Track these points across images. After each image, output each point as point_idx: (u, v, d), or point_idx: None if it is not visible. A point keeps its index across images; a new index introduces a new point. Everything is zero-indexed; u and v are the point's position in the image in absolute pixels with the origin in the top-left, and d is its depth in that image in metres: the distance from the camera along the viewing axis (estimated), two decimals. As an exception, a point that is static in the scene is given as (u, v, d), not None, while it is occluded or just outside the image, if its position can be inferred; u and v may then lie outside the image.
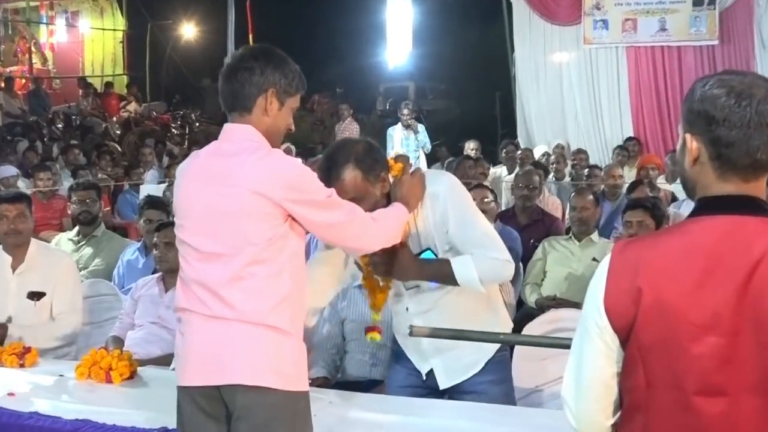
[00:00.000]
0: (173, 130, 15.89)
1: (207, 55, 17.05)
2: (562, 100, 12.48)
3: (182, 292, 2.35)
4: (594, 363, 1.64)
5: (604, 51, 12.15)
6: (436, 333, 2.73)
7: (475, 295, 2.80)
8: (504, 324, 3.02)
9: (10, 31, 18.68)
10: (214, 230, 2.27)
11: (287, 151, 10.44)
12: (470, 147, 10.65)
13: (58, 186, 7.96)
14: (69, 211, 5.81)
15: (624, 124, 11.99)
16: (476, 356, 2.95)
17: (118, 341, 3.96)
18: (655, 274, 1.56)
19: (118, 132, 15.08)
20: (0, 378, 3.23)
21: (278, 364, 2.24)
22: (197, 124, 15.86)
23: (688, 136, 1.63)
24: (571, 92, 12.40)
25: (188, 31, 19.29)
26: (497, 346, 2.97)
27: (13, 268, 4.04)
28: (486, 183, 7.06)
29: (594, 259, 4.88)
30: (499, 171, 9.82)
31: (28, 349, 3.46)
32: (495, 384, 2.96)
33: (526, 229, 5.79)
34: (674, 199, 7.25)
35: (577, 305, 4.01)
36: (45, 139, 13.50)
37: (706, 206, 1.61)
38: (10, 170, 8.44)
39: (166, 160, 11.54)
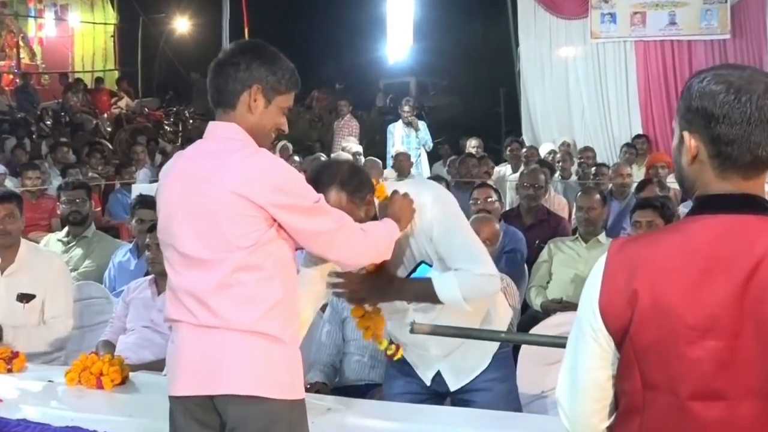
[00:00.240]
0: (166, 127, 15.87)
1: (201, 49, 17.02)
2: (569, 97, 12.47)
3: (170, 303, 2.35)
4: (589, 365, 1.64)
5: (612, 45, 12.14)
6: (437, 330, 2.74)
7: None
8: (503, 320, 3.07)
9: (-3, 25, 18.69)
10: (198, 234, 2.25)
11: (284, 150, 10.48)
12: (471, 145, 10.65)
13: (46, 185, 7.96)
14: (58, 211, 5.81)
15: (632, 121, 11.99)
16: (481, 353, 3.01)
17: (109, 346, 3.97)
18: (651, 275, 1.56)
19: (109, 129, 15.08)
20: (-13, 384, 3.23)
21: (271, 372, 2.23)
22: (191, 120, 15.84)
23: (686, 134, 1.63)
24: (578, 88, 12.39)
25: (182, 25, 19.28)
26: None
27: (2, 269, 4.05)
28: (490, 182, 7.07)
29: (602, 261, 4.87)
30: (504, 170, 9.82)
31: (16, 354, 3.45)
32: (499, 381, 3.03)
33: (531, 229, 5.79)
34: (684, 198, 7.25)
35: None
36: (33, 137, 13.50)
37: (705, 205, 1.61)
38: (-3, 168, 8.45)
39: (158, 158, 11.54)
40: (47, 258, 4.24)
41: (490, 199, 5.55)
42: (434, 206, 2.74)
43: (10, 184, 8.10)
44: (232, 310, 2.22)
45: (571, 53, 12.48)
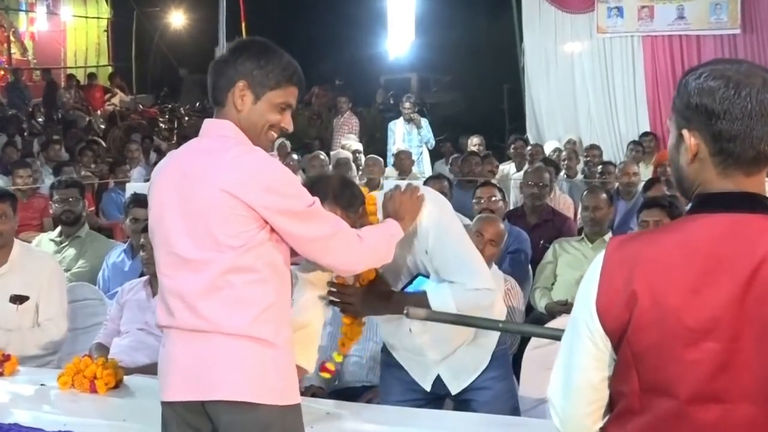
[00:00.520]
0: (161, 124, 15.90)
1: (197, 45, 17.06)
2: (574, 93, 12.47)
3: (160, 308, 2.36)
4: (583, 365, 1.65)
5: (619, 40, 12.14)
6: (433, 316, 2.74)
7: None
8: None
9: (-13, 20, 18.70)
10: (188, 233, 2.25)
11: (282, 147, 10.48)
12: (473, 143, 10.66)
13: (38, 184, 7.96)
14: (51, 211, 5.81)
15: (640, 119, 11.99)
16: (481, 353, 3.04)
17: (103, 348, 3.97)
18: (651, 276, 1.56)
19: (103, 126, 15.10)
20: (-22, 388, 3.23)
21: (262, 377, 2.23)
22: (186, 118, 15.86)
23: (685, 132, 1.63)
24: (584, 84, 12.39)
25: (177, 19, 19.30)
26: (495, 339, 3.07)
27: (-6, 270, 4.06)
28: (494, 180, 7.07)
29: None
30: (508, 168, 9.83)
31: (7, 357, 3.46)
32: (499, 380, 3.09)
33: (535, 229, 5.80)
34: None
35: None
36: (25, 134, 13.51)
37: (706, 203, 1.61)
38: (-12, 167, 8.47)
39: (153, 156, 11.55)
40: (41, 259, 4.25)
41: (493, 198, 5.56)
42: (431, 217, 2.74)
43: (0, 182, 8.10)
44: (222, 313, 2.22)
45: (577, 48, 12.48)
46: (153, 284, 4.05)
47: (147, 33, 18.79)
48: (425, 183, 6.25)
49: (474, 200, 5.62)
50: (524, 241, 5.27)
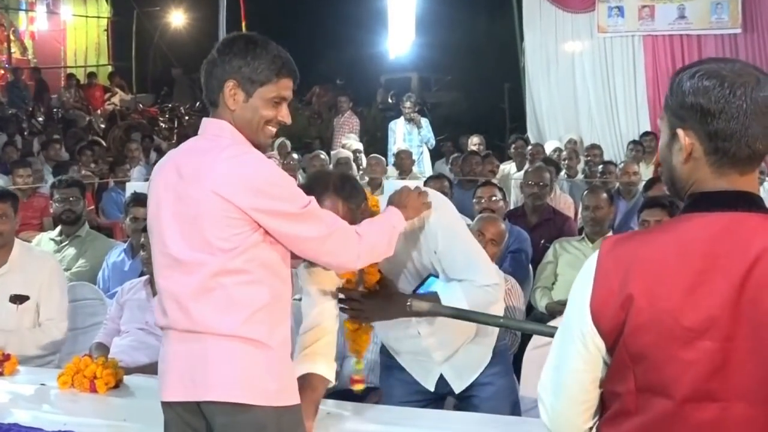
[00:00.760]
0: (161, 123, 15.89)
1: (197, 44, 17.03)
2: (575, 93, 12.47)
3: (157, 308, 2.36)
4: (574, 366, 1.66)
5: (620, 40, 12.14)
6: (435, 309, 2.73)
7: None
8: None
9: (-13, 19, 18.69)
10: (182, 234, 2.24)
11: (282, 147, 10.48)
12: (473, 142, 10.66)
13: (41, 183, 7.96)
14: (51, 210, 5.81)
15: (640, 118, 11.99)
16: (483, 350, 3.06)
17: (103, 348, 3.97)
18: (646, 277, 1.56)
19: (103, 126, 15.09)
20: (-23, 387, 3.23)
21: (255, 378, 2.22)
22: (186, 117, 15.86)
23: (679, 131, 1.63)
24: (585, 84, 12.39)
25: (177, 18, 19.30)
26: (495, 336, 3.08)
27: (-6, 270, 4.06)
28: (494, 180, 7.07)
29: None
30: (508, 167, 9.83)
31: (7, 357, 3.46)
32: (500, 376, 3.10)
33: (536, 229, 5.80)
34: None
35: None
36: (25, 134, 13.51)
37: (700, 202, 1.62)
38: (-13, 166, 8.47)
39: (153, 155, 11.55)
40: (41, 258, 4.24)
41: (494, 198, 5.55)
42: (437, 218, 2.74)
43: (0, 182, 8.10)
44: (214, 315, 2.21)
45: (578, 48, 12.48)
46: (153, 284, 4.05)
47: (147, 32, 18.79)
48: (426, 183, 6.25)
49: (474, 200, 5.62)
50: (525, 241, 5.27)
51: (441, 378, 3.08)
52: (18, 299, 4.01)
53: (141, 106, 16.66)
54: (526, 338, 3.84)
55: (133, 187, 7.65)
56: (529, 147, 10.16)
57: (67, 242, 5.45)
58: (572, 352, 1.65)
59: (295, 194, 2.26)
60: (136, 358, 3.83)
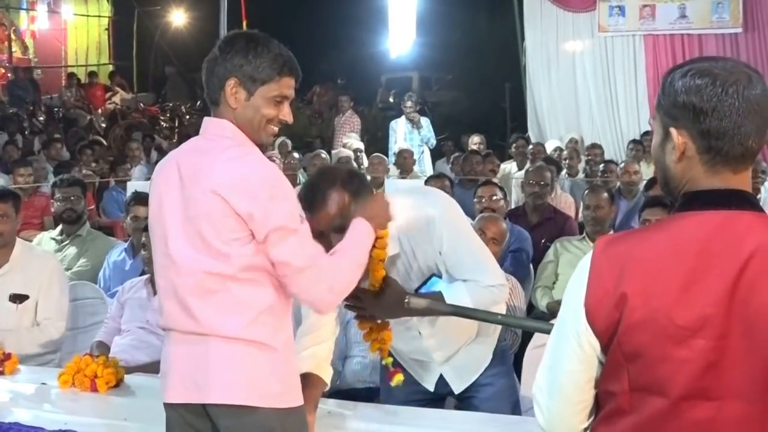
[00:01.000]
0: (162, 122, 15.88)
1: (198, 43, 17.02)
2: (576, 92, 12.47)
3: (159, 309, 2.35)
4: (569, 367, 1.66)
5: (621, 39, 12.14)
6: (433, 306, 2.72)
7: None
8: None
9: (-12, 18, 18.69)
10: (182, 235, 2.22)
11: (282, 146, 10.48)
12: (474, 141, 10.65)
13: (42, 182, 7.97)
14: (52, 209, 5.82)
15: (641, 118, 11.99)
16: (484, 350, 3.05)
17: (104, 347, 3.97)
18: (640, 277, 1.56)
19: (104, 125, 15.09)
20: (-22, 386, 3.23)
21: (259, 380, 2.21)
22: (188, 116, 15.86)
23: (672, 130, 1.63)
24: (585, 83, 12.39)
25: (178, 18, 19.29)
26: (496, 336, 3.08)
27: (-5, 269, 4.06)
28: (495, 180, 7.07)
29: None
30: (509, 167, 9.83)
31: (8, 356, 3.46)
32: (500, 376, 3.08)
33: (537, 228, 5.80)
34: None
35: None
36: (26, 133, 13.51)
37: (693, 201, 1.62)
38: (-13, 166, 8.47)
39: (154, 155, 11.54)
40: (42, 258, 4.25)
41: (495, 197, 5.55)
42: (442, 218, 2.71)
43: (1, 181, 8.11)
44: (217, 317, 2.20)
45: (579, 47, 12.49)
46: (154, 283, 4.05)
47: (148, 31, 18.78)
48: (426, 182, 6.25)
49: (475, 199, 5.62)
50: (525, 240, 5.27)
51: (441, 378, 3.07)
52: (18, 298, 4.01)
53: (142, 105, 16.66)
54: (526, 337, 3.84)
55: (133, 186, 7.64)
56: (530, 146, 10.17)
57: (68, 241, 5.45)
58: (567, 352, 1.65)
59: (292, 208, 2.22)
60: (136, 357, 3.84)
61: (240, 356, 2.20)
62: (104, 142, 13.06)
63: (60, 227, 5.57)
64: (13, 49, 18.38)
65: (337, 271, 2.25)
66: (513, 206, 6.92)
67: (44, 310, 4.06)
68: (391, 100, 16.51)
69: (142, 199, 5.07)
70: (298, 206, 2.25)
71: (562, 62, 12.55)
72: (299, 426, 2.30)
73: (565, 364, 1.66)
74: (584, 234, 5.30)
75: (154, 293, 4.01)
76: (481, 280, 2.73)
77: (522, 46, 13.07)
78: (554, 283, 5.17)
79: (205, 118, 2.37)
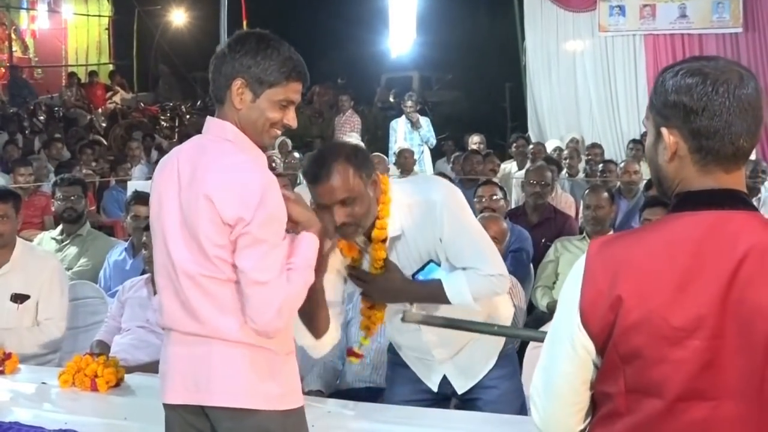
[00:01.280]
0: (162, 122, 15.90)
1: (198, 43, 17.06)
2: (576, 92, 12.47)
3: (160, 308, 2.34)
4: (564, 368, 1.66)
5: (621, 39, 12.14)
6: (428, 320, 2.74)
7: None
8: (506, 320, 3.06)
9: (-12, 18, 18.70)
10: (180, 236, 2.21)
11: (283, 146, 10.48)
12: (474, 141, 10.65)
13: (43, 181, 7.97)
14: (52, 209, 5.82)
15: (642, 118, 11.91)
16: (487, 352, 3.01)
17: (104, 345, 3.97)
18: (635, 279, 1.56)
19: (104, 124, 15.10)
20: (-22, 386, 3.23)
21: (259, 383, 2.20)
22: (188, 116, 15.87)
23: (664, 130, 1.63)
24: (586, 83, 12.39)
25: (178, 17, 19.30)
26: (502, 339, 3.04)
27: (-4, 269, 4.06)
28: (495, 179, 7.06)
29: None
30: (509, 167, 9.82)
31: (8, 355, 3.46)
32: (506, 379, 3.04)
33: (537, 228, 5.80)
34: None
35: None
36: (26, 132, 13.52)
37: (687, 201, 1.61)
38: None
39: (155, 154, 11.55)
40: (42, 258, 4.24)
41: (495, 197, 5.55)
42: (444, 205, 2.71)
43: (1, 181, 8.11)
44: (216, 319, 2.18)
45: (579, 47, 12.49)
46: (154, 282, 4.05)
47: (148, 31, 18.79)
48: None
49: (475, 199, 5.61)
50: (526, 240, 5.27)
51: (445, 379, 3.04)
52: (19, 298, 4.01)
53: (142, 104, 16.68)
54: (527, 337, 3.83)
55: (134, 185, 7.65)
56: (531, 146, 10.16)
57: (68, 241, 5.46)
58: (562, 354, 1.65)
59: (275, 221, 2.16)
60: (137, 357, 3.83)
61: (240, 358, 2.19)
62: (104, 141, 13.08)
63: (60, 227, 5.57)
64: (14, 49, 18.39)
65: (290, 292, 2.16)
66: (513, 206, 6.92)
67: (46, 310, 4.06)
68: (391, 99, 16.51)
69: (142, 198, 5.08)
70: (283, 222, 2.20)
71: (562, 62, 12.55)
72: (299, 427, 2.30)
73: (559, 366, 1.66)
74: (584, 234, 5.30)
75: (155, 293, 4.01)
76: (481, 268, 2.71)
77: (522, 46, 13.07)
78: (554, 282, 5.17)
79: (208, 118, 2.34)
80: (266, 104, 2.25)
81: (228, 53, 2.26)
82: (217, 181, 2.14)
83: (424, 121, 11.00)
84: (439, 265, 2.77)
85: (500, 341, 3.06)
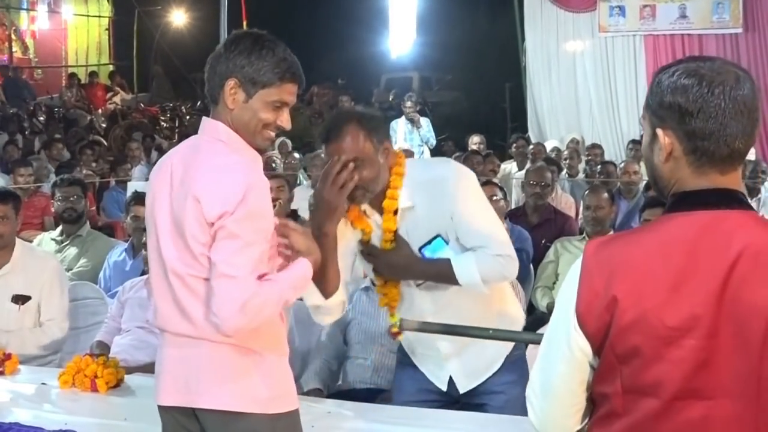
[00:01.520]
0: (162, 123, 15.90)
1: (198, 44, 17.05)
2: (576, 92, 12.47)
3: (154, 309, 2.33)
4: (561, 369, 1.66)
5: (621, 39, 12.15)
6: (425, 327, 2.72)
7: (489, 295, 2.79)
8: (516, 323, 3.02)
9: (-12, 18, 18.71)
10: (171, 237, 2.20)
11: (282, 146, 10.47)
12: (474, 141, 10.66)
13: (44, 182, 7.97)
14: (52, 209, 5.82)
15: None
16: (493, 354, 2.97)
17: (104, 346, 3.97)
18: (630, 278, 1.56)
19: (104, 125, 15.10)
20: (-22, 387, 3.23)
21: (247, 386, 2.19)
22: (188, 117, 15.87)
23: (659, 130, 1.62)
24: (586, 84, 12.40)
25: (178, 18, 19.31)
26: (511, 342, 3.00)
27: (-4, 270, 4.06)
28: (495, 180, 7.07)
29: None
30: (509, 167, 9.83)
31: (8, 356, 3.45)
32: (514, 385, 2.94)
33: (537, 228, 5.80)
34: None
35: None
36: (26, 133, 13.52)
37: (682, 202, 1.61)
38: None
39: (154, 155, 11.54)
40: (42, 259, 4.24)
41: (495, 198, 5.54)
42: (457, 182, 2.70)
43: (1, 181, 8.11)
44: (207, 321, 2.15)
45: (579, 47, 12.49)
46: (154, 283, 4.05)
47: (148, 32, 18.79)
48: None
49: (475, 199, 5.61)
50: (526, 241, 5.27)
51: (452, 380, 2.99)
52: (20, 299, 4.01)
53: (142, 105, 16.67)
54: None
55: (134, 186, 7.65)
56: (531, 146, 10.16)
57: (68, 242, 5.46)
58: (558, 355, 1.65)
59: (258, 220, 2.13)
60: (136, 357, 3.83)
61: (229, 361, 2.18)
62: (104, 142, 13.08)
63: (60, 227, 5.57)
64: (14, 49, 18.40)
65: (260, 294, 2.10)
66: (513, 206, 6.92)
67: (47, 311, 4.06)
68: (390, 99, 16.51)
69: (142, 199, 5.05)
70: (264, 223, 2.16)
71: (562, 62, 12.56)
72: (290, 430, 2.28)
73: (556, 367, 1.66)
74: (584, 234, 5.30)
75: (155, 293, 4.02)
76: (490, 247, 2.69)
77: (522, 46, 13.08)
78: (554, 283, 5.16)
79: (203, 118, 2.34)
80: (259, 105, 2.23)
81: (223, 53, 2.25)
82: (204, 181, 2.13)
83: (424, 122, 11.01)
84: (447, 242, 2.75)
85: (507, 344, 3.00)
